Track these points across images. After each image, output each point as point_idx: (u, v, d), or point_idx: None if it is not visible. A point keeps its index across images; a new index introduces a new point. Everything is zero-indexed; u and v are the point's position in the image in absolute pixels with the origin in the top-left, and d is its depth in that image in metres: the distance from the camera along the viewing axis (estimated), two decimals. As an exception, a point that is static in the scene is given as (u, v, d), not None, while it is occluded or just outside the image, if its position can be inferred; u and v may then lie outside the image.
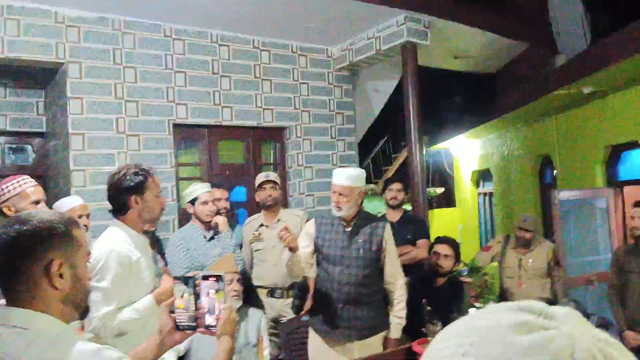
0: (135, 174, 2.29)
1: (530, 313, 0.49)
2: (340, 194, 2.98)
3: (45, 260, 1.22)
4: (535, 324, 0.48)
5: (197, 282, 1.59)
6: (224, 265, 3.07)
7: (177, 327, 1.57)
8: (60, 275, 1.23)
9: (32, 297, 1.21)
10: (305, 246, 3.05)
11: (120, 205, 2.31)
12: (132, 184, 2.27)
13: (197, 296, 1.57)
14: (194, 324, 1.56)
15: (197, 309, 1.57)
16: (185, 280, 1.59)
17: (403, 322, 3.08)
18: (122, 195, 2.28)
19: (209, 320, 1.57)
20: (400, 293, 3.11)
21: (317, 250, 3.11)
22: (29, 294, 1.21)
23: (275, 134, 5.56)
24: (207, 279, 1.58)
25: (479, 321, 0.50)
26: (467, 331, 0.50)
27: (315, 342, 3.11)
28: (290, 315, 3.84)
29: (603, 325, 3.67)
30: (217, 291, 1.57)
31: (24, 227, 1.22)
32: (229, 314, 1.58)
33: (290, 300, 3.89)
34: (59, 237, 1.26)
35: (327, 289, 3.03)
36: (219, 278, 1.57)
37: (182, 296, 1.57)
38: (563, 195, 4.98)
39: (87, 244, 1.37)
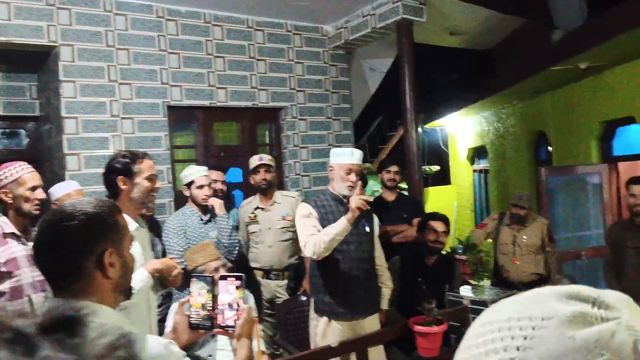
0: (123, 156, 2.35)
1: (584, 302, 0.47)
2: (356, 174, 2.98)
3: (98, 252, 1.21)
4: (592, 315, 0.46)
5: (215, 280, 1.55)
6: (208, 252, 3.06)
7: (191, 326, 1.54)
8: (111, 265, 1.23)
9: (87, 292, 1.20)
10: (316, 227, 2.92)
11: (111, 189, 2.35)
12: (119, 165, 2.32)
13: (214, 295, 1.53)
14: (209, 323, 1.53)
15: (213, 308, 1.53)
16: (203, 278, 1.57)
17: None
18: (111, 178, 2.33)
19: (226, 320, 1.53)
20: (385, 265, 3.33)
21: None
22: (84, 289, 1.20)
23: (271, 115, 5.54)
24: (226, 279, 1.55)
25: (531, 310, 0.48)
26: (519, 321, 0.47)
27: (329, 326, 3.01)
28: (285, 296, 3.89)
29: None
30: (236, 288, 1.54)
31: (73, 222, 1.19)
32: (248, 314, 1.53)
33: (286, 281, 3.94)
34: (109, 227, 1.25)
35: (343, 268, 2.97)
36: (238, 277, 1.54)
37: (198, 294, 1.53)
38: (550, 172, 5.03)
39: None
